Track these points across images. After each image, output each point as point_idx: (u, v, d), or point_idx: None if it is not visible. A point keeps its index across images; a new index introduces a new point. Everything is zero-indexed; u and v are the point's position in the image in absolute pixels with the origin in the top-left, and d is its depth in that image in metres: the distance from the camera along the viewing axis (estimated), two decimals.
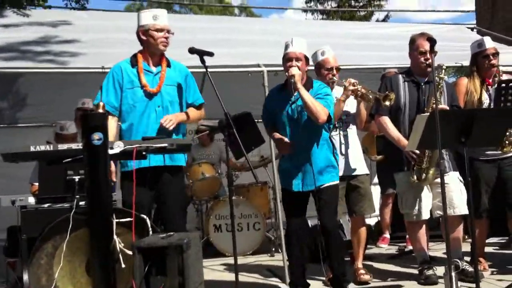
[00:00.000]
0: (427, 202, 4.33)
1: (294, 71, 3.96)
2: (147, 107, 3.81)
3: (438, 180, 3.76)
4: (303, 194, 4.13)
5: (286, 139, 4.04)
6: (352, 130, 4.65)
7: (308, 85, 4.08)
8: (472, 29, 9.16)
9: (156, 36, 3.80)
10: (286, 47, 4.12)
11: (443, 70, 4.27)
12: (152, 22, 3.80)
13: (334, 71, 4.55)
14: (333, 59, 4.58)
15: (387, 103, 4.22)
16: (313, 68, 4.68)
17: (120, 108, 3.85)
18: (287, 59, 4.08)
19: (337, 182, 4.15)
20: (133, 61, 3.88)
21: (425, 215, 4.34)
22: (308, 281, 4.28)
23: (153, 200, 3.88)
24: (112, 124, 3.79)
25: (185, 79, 4.00)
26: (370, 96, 4.37)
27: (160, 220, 4.04)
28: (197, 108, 4.07)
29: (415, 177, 4.24)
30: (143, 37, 3.84)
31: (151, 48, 3.85)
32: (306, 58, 4.12)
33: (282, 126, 4.14)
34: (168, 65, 3.93)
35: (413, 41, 4.43)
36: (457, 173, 4.33)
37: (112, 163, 3.62)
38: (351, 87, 4.39)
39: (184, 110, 3.98)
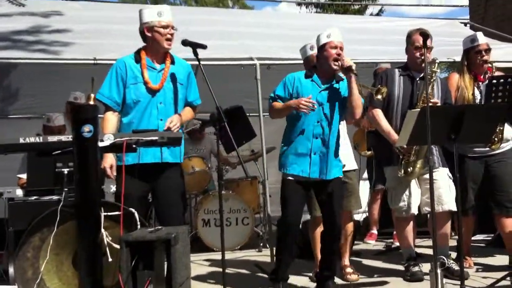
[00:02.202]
0: (416, 198, 4.33)
1: (351, 61, 3.91)
2: (149, 104, 3.78)
3: (427, 175, 3.77)
4: (309, 185, 4.03)
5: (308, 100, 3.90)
6: (341, 125, 4.63)
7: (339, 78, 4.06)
8: (465, 24, 9.18)
9: (163, 32, 3.75)
10: (328, 35, 4.01)
11: (436, 64, 4.25)
12: (157, 19, 3.75)
13: None
14: None
15: (379, 96, 4.20)
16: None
17: (123, 102, 3.82)
18: (332, 46, 3.98)
19: (341, 176, 4.12)
20: (137, 57, 3.84)
21: (414, 210, 4.35)
22: (295, 277, 4.29)
23: (147, 194, 3.86)
24: (113, 119, 3.79)
25: (187, 76, 3.96)
26: (361, 90, 4.36)
27: (156, 217, 4.00)
28: (193, 108, 4.05)
29: (402, 171, 4.24)
30: (148, 34, 3.78)
31: (155, 45, 3.80)
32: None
33: (303, 113, 3.98)
34: (172, 62, 3.90)
35: (409, 36, 4.42)
36: (446, 169, 4.33)
37: (112, 157, 3.62)
38: None
39: (182, 107, 3.94)
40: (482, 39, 4.66)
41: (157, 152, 3.74)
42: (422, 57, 4.21)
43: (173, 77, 3.86)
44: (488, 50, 4.62)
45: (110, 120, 3.77)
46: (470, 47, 4.65)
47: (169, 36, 3.77)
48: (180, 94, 3.89)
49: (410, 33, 4.43)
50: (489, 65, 4.63)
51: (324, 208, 4.05)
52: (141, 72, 3.79)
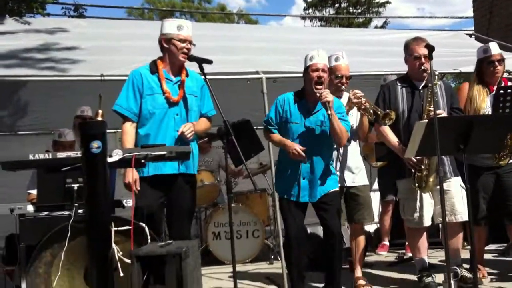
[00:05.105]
0: (428, 209, 4.31)
1: (329, 97, 3.94)
2: (166, 115, 3.82)
3: None
4: (304, 203, 4.13)
5: (300, 150, 4.01)
6: (354, 142, 4.66)
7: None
8: (470, 35, 9.18)
9: (179, 46, 3.81)
10: (312, 58, 4.08)
11: (437, 77, 4.16)
12: (176, 32, 3.82)
13: (344, 80, 4.52)
14: (346, 66, 4.55)
15: (387, 121, 4.21)
16: None
17: (139, 113, 3.85)
18: (314, 69, 4.05)
19: (337, 188, 4.20)
20: (153, 68, 3.88)
21: (427, 222, 4.32)
22: None
23: (164, 202, 3.90)
24: (132, 132, 3.83)
25: (201, 88, 4.02)
26: (372, 111, 4.36)
27: (167, 226, 4.05)
28: (208, 119, 4.10)
29: (416, 184, 4.23)
30: (165, 45, 3.86)
31: (171, 57, 3.86)
32: (329, 70, 4.15)
33: (292, 135, 4.12)
34: (187, 75, 3.95)
35: (407, 46, 4.41)
36: (459, 179, 4.30)
37: (135, 171, 3.63)
38: (355, 100, 4.39)
39: (197, 119, 3.99)
40: (496, 49, 4.65)
41: (175, 164, 3.78)
42: (422, 67, 4.22)
43: (188, 89, 3.91)
44: (501, 61, 4.61)
45: (130, 133, 3.80)
46: (483, 57, 4.65)
47: (185, 50, 3.83)
48: (195, 106, 3.94)
49: (408, 43, 4.41)
50: (510, 75, 4.61)
51: (321, 222, 4.13)
52: (160, 83, 3.82)
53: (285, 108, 4.18)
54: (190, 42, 3.85)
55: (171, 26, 3.85)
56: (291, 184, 4.12)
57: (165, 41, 3.85)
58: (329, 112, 3.93)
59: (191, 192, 3.96)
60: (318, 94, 3.99)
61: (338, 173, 4.41)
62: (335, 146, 4.38)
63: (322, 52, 4.13)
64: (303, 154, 3.99)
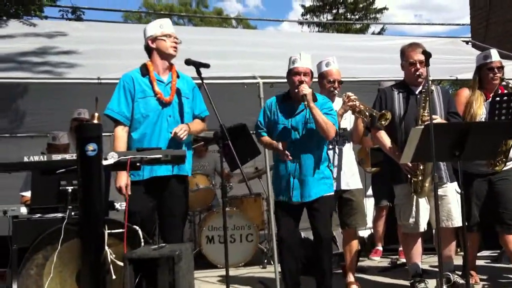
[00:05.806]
0: (424, 214, 4.30)
1: (306, 90, 3.96)
2: (159, 117, 3.83)
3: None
4: (298, 206, 4.13)
5: (280, 147, 4.06)
6: (348, 145, 4.67)
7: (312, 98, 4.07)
8: (467, 42, 9.21)
9: (166, 40, 3.87)
10: (294, 61, 4.11)
11: (430, 82, 4.18)
12: (160, 30, 3.89)
13: (336, 84, 4.57)
14: (337, 71, 4.61)
15: (383, 122, 4.22)
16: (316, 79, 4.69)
17: (131, 117, 3.85)
18: (295, 73, 4.09)
19: (332, 193, 4.20)
20: (143, 70, 3.90)
21: (422, 228, 4.32)
22: None
23: (155, 209, 3.90)
24: (124, 136, 3.82)
25: (192, 90, 4.04)
26: (367, 113, 4.38)
27: (159, 228, 4.03)
28: (202, 120, 4.10)
29: (412, 189, 4.23)
30: (153, 45, 3.90)
31: (161, 55, 3.90)
32: (311, 73, 4.16)
33: (282, 137, 4.13)
34: (177, 76, 3.98)
35: (403, 52, 4.41)
36: (454, 184, 4.29)
37: (126, 175, 3.60)
38: (350, 103, 4.41)
39: (191, 121, 4.00)
40: (496, 56, 4.66)
41: (169, 165, 3.76)
42: (417, 73, 4.24)
43: (179, 91, 3.92)
44: (500, 68, 4.62)
45: (121, 138, 3.80)
46: (483, 63, 4.66)
47: (173, 43, 3.87)
48: (187, 108, 3.95)
49: (404, 49, 4.41)
50: (504, 82, 4.63)
51: (311, 227, 4.15)
52: (151, 85, 3.84)
53: (272, 110, 4.22)
54: (176, 38, 3.91)
55: (153, 27, 3.92)
56: (283, 184, 4.15)
57: (152, 41, 3.90)
58: (306, 104, 3.95)
59: (184, 194, 3.96)
60: (296, 90, 4.03)
61: (336, 174, 4.43)
62: (330, 147, 4.40)
63: (305, 55, 4.15)
64: (286, 152, 4.02)
